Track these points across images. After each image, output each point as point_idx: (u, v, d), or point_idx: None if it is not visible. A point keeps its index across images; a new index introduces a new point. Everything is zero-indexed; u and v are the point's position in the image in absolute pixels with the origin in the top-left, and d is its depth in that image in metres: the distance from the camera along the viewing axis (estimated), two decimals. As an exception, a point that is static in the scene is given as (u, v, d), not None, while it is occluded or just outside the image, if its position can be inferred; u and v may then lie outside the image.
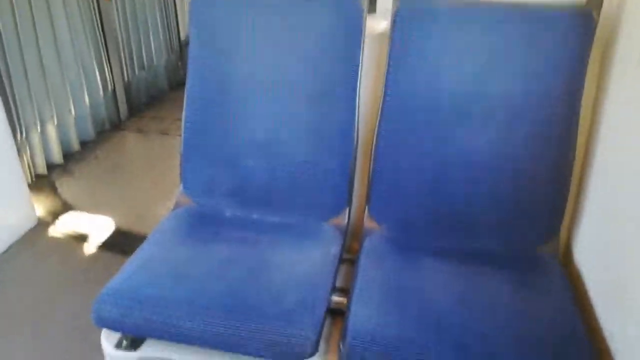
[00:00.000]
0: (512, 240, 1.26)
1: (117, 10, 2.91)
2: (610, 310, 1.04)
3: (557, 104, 1.18)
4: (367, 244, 1.25)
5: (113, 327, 1.07)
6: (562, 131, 1.20)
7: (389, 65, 1.24)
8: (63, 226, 2.09)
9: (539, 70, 1.17)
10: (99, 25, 2.78)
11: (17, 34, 2.22)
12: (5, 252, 1.91)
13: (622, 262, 1.02)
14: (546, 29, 1.16)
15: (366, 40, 1.27)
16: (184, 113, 1.36)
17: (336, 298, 1.22)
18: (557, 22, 1.15)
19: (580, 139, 1.23)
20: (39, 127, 2.40)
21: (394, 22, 1.22)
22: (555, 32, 1.15)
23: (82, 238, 2.01)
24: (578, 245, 1.27)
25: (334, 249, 1.23)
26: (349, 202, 1.34)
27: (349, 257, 1.34)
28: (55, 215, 2.16)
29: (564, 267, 1.22)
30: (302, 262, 1.18)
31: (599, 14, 1.13)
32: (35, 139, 2.39)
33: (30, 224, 2.06)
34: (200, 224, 1.32)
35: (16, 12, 2.20)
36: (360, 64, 1.27)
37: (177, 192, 1.42)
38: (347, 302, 1.08)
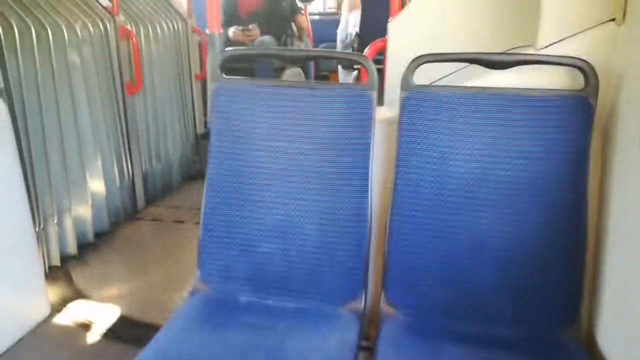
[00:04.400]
0: (530, 325, 1.24)
1: (140, 105, 3.08)
2: None
3: (563, 188, 1.21)
4: (384, 330, 1.23)
5: None
6: (571, 215, 1.22)
7: (399, 150, 1.30)
8: (76, 316, 2.07)
9: (542, 155, 1.22)
10: (123, 119, 2.92)
11: (42, 126, 2.33)
12: (16, 344, 1.88)
13: None
14: (546, 114, 1.22)
15: (376, 129, 1.34)
16: (203, 200, 1.40)
17: (355, 389, 1.18)
18: (556, 107, 1.21)
19: (591, 222, 1.24)
20: (55, 218, 2.45)
21: (402, 111, 1.29)
22: (555, 117, 1.21)
23: (94, 329, 1.98)
24: (600, 327, 1.23)
25: (351, 336, 1.21)
26: (365, 287, 1.34)
27: (366, 345, 1.31)
28: (68, 305, 2.14)
29: (588, 351, 1.18)
30: (319, 351, 1.16)
31: (596, 99, 1.20)
32: (52, 230, 2.43)
33: (43, 314, 2.05)
34: (216, 310, 1.31)
35: (42, 105, 2.32)
36: (371, 151, 1.32)
37: (193, 279, 1.42)
38: None
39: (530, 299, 1.24)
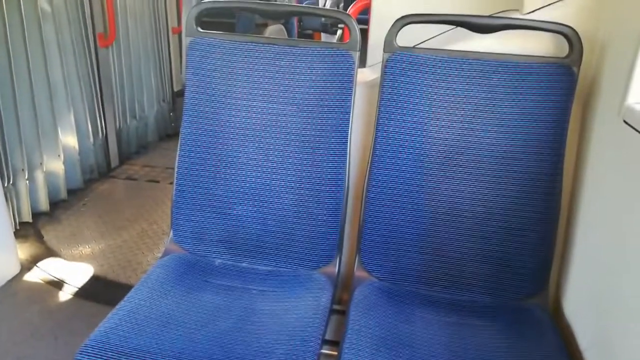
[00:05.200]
0: (501, 292, 1.26)
1: (114, 58, 2.97)
2: None
3: (541, 156, 1.21)
4: (357, 293, 1.24)
5: None
6: (546, 184, 1.22)
7: (378, 115, 1.27)
8: (46, 274, 2.04)
9: (522, 123, 1.21)
10: (96, 72, 2.82)
11: (12, 78, 2.25)
12: (-15, 301, 1.86)
13: (611, 316, 1.01)
14: (528, 81, 1.20)
15: (357, 91, 1.30)
16: (177, 159, 1.37)
17: (326, 351, 1.19)
18: (538, 74, 1.20)
19: (565, 191, 1.25)
20: (26, 174, 2.39)
21: (384, 73, 1.26)
22: (536, 84, 1.20)
23: (65, 287, 1.96)
24: (567, 296, 1.26)
25: (324, 299, 1.21)
26: (340, 251, 1.33)
27: (339, 308, 1.33)
28: (39, 263, 2.11)
29: (554, 319, 1.21)
30: (292, 312, 1.16)
31: (579, 68, 1.18)
32: (22, 185, 2.37)
33: (13, 272, 2.02)
34: (189, 272, 1.30)
35: (12, 56, 2.22)
36: (351, 114, 1.30)
37: (166, 239, 1.41)
38: (338, 355, 1.05)
39: (502, 267, 1.25)
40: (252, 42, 1.33)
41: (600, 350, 1.04)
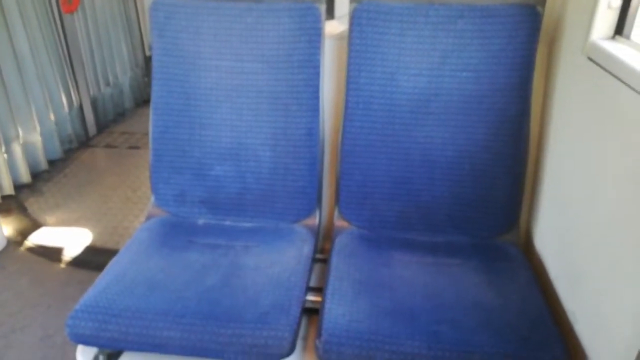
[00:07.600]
0: (474, 231, 1.31)
1: (80, 24, 2.89)
2: (571, 291, 1.08)
3: (508, 98, 1.23)
4: (338, 242, 1.28)
5: (89, 342, 1.06)
6: (514, 125, 1.25)
7: (349, 66, 1.28)
8: (34, 245, 2.06)
9: (489, 67, 1.23)
10: (63, 40, 2.75)
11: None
12: (-25, 276, 1.88)
13: (577, 245, 1.07)
14: (494, 24, 1.21)
15: (326, 44, 1.30)
16: (150, 124, 1.37)
17: (311, 297, 1.24)
18: (503, 17, 1.20)
19: (533, 131, 1.29)
20: (3, 148, 2.36)
21: (351, 24, 1.26)
22: (502, 26, 1.21)
23: (54, 256, 1.99)
24: (537, 232, 1.32)
25: (307, 250, 1.25)
26: (319, 203, 1.37)
27: (321, 257, 1.37)
28: (25, 235, 2.12)
29: (526, 254, 1.27)
30: (276, 264, 1.20)
31: (543, 8, 1.19)
32: (0, 160, 2.35)
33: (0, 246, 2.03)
34: (173, 233, 1.33)
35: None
36: (321, 67, 1.30)
37: (149, 204, 1.42)
38: (322, 300, 1.10)
39: (475, 207, 1.30)
40: (216, 0, 1.31)
41: (568, 278, 1.10)
